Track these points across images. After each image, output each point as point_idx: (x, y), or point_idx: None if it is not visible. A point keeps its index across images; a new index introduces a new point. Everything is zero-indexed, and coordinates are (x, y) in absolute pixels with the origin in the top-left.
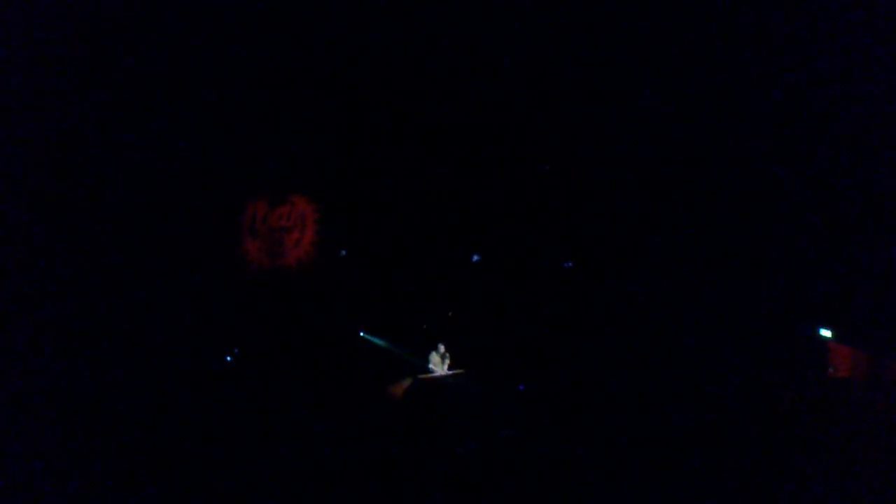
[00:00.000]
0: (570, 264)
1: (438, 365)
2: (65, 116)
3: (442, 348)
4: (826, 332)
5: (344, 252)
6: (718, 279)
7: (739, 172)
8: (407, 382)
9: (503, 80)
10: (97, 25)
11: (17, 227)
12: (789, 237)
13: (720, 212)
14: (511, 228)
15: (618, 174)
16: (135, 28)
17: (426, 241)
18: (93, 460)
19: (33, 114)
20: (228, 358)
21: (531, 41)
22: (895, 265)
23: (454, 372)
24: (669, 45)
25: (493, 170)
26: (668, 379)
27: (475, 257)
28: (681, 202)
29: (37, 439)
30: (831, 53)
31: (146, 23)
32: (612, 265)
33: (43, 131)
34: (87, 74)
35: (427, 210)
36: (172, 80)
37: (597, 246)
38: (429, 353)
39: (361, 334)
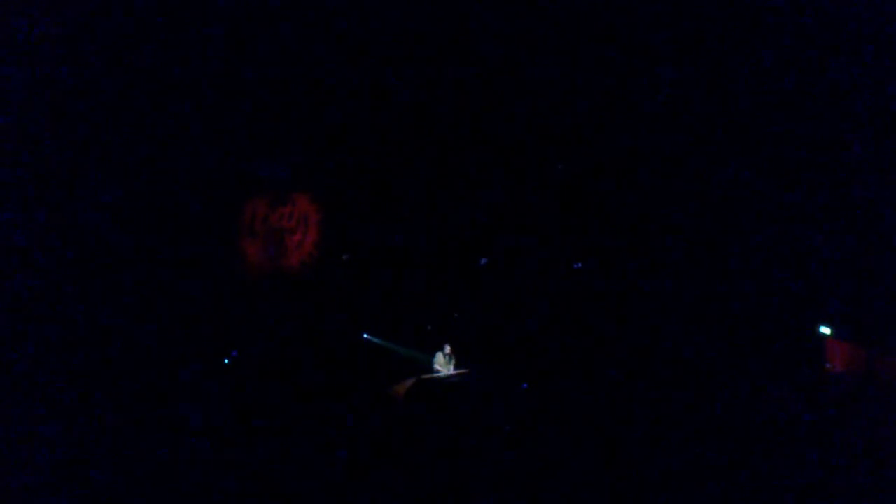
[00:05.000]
0: (579, 265)
1: (443, 365)
2: (64, 114)
3: (448, 349)
4: (825, 330)
5: (346, 256)
6: (719, 278)
7: (740, 171)
8: (409, 383)
9: (508, 80)
10: (98, 23)
11: (16, 227)
12: (790, 236)
13: (720, 210)
14: (517, 229)
15: (621, 174)
16: (135, 26)
17: (432, 242)
18: (89, 461)
19: (34, 112)
20: (226, 360)
21: (536, 40)
22: (892, 262)
23: (458, 372)
24: (677, 47)
25: (499, 170)
26: (669, 375)
27: (482, 260)
28: (683, 201)
29: (33, 440)
30: (837, 52)
31: (147, 20)
32: (614, 264)
33: (42, 129)
34: (88, 72)
35: (434, 211)
36: (172, 75)
37: (600, 245)
38: (434, 353)
39: (365, 336)
